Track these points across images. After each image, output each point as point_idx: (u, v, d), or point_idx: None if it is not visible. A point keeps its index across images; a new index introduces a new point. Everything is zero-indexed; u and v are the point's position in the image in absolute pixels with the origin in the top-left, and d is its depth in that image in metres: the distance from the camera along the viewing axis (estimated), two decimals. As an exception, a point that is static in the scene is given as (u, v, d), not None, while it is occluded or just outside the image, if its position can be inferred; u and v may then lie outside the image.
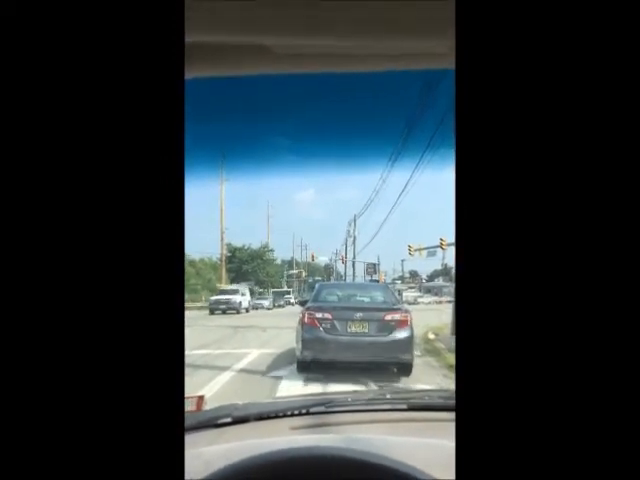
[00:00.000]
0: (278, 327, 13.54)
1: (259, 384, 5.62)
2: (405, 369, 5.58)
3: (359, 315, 5.63)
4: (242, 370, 6.59)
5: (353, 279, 34.32)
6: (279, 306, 33.33)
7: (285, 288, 45.97)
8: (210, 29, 0.57)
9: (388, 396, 1.37)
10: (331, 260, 49.42)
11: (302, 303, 6.76)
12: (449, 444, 0.55)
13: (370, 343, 5.50)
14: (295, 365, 6.25)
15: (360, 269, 37.44)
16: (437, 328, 11.27)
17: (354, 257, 35.92)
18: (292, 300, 37.59)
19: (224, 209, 34.38)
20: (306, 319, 5.72)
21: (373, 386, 4.94)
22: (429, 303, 36.41)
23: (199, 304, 27.08)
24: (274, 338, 10.65)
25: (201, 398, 1.20)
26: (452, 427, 0.51)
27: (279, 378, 5.87)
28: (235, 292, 24.95)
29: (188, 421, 1.07)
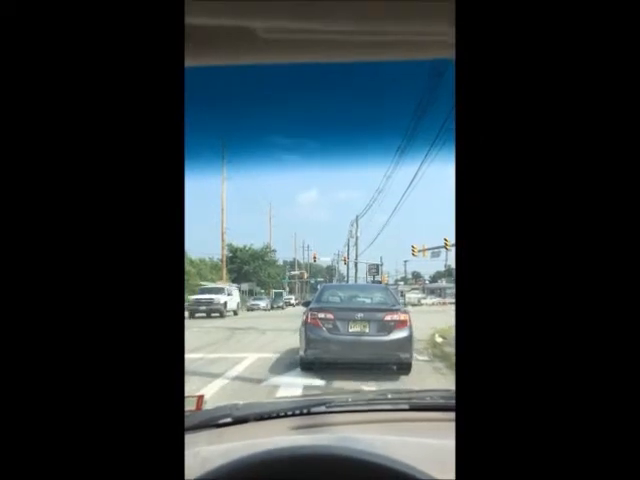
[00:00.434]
0: (277, 329, 13.14)
1: (253, 394, 5.14)
2: (404, 367, 5.72)
3: (360, 315, 5.78)
4: (236, 378, 6.09)
5: (355, 280, 33.99)
6: (278, 307, 32.67)
7: (286, 289, 45.49)
8: (210, 16, 0.56)
9: (389, 396, 1.35)
10: (333, 261, 49.18)
11: (306, 304, 6.90)
12: (451, 444, 0.53)
13: (370, 342, 5.67)
14: (294, 372, 6.14)
15: (362, 270, 37.07)
16: (444, 331, 10.80)
17: (356, 258, 35.52)
18: (292, 301, 36.96)
19: (225, 209, 33.94)
20: (309, 319, 5.85)
21: (374, 386, 4.99)
22: (433, 304, 36.03)
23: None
24: (273, 341, 10.24)
25: (201, 397, 1.18)
26: (454, 427, 0.51)
27: (276, 387, 5.40)
28: (219, 291, 20.71)
29: (188, 421, 1.07)
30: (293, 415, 1.16)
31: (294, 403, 1.24)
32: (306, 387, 5.37)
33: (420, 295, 41.93)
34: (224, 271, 34.05)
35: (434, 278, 53.78)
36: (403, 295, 34.63)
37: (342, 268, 44.36)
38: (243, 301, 29.33)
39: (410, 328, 5.79)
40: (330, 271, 57.17)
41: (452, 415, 0.65)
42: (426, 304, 36.72)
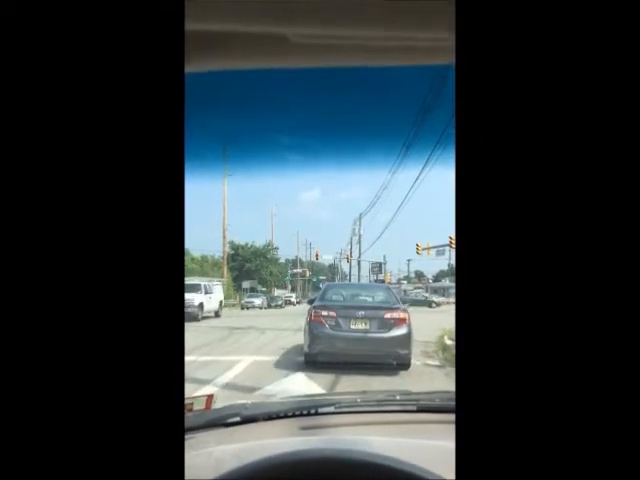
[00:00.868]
0: (278, 328, 12.58)
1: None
2: (404, 363, 5.98)
3: (361, 313, 6.03)
4: (226, 385, 5.51)
5: (358, 279, 33.56)
6: (276, 306, 30.89)
7: (288, 287, 44.82)
8: (212, 19, 0.57)
9: (398, 397, 1.35)
10: (335, 259, 48.64)
11: (310, 302, 7.18)
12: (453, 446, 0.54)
13: (371, 339, 5.91)
14: (292, 378, 5.77)
15: (365, 269, 36.52)
16: (452, 332, 10.19)
17: (359, 256, 34.96)
18: (293, 299, 35.64)
19: (227, 206, 33.41)
20: (313, 317, 6.11)
21: (377, 384, 5.20)
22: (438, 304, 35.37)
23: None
24: (272, 342, 9.68)
25: (210, 397, 1.19)
26: None
27: (271, 397, 4.83)
28: (193, 288, 15.94)
29: (197, 420, 1.09)
30: (301, 415, 1.15)
31: (303, 403, 1.24)
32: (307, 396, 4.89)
33: (425, 294, 41.27)
34: (225, 268, 33.55)
35: (437, 277, 53.19)
36: (407, 294, 34.11)
37: (345, 266, 43.87)
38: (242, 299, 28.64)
39: (409, 326, 6.02)
40: (332, 269, 56.76)
41: None
42: (430, 303, 36.06)
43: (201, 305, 16.04)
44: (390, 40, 0.62)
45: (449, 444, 0.67)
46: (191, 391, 5.01)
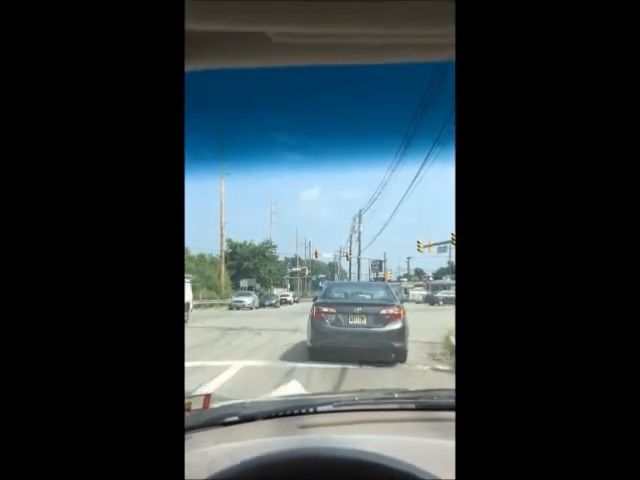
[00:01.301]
0: (274, 329, 12.00)
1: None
2: (400, 354, 6.55)
3: (359, 310, 6.60)
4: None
5: (358, 277, 33.10)
6: (270, 305, 28.05)
7: (287, 286, 44.14)
8: (212, 19, 0.57)
9: (396, 395, 1.34)
10: (335, 258, 48.10)
11: (315, 299, 7.59)
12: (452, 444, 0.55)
13: (367, 333, 6.48)
14: (286, 389, 5.00)
15: (365, 267, 35.97)
16: (458, 331, 9.60)
17: (359, 254, 34.39)
18: (289, 298, 33.57)
19: (224, 204, 32.78)
20: (315, 313, 6.72)
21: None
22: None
23: (197, 302, 25.34)
24: (267, 344, 9.10)
25: (208, 396, 1.18)
26: None
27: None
28: None
29: (195, 419, 1.08)
30: (300, 414, 1.15)
31: (301, 402, 1.24)
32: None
33: (425, 292, 40.71)
34: (222, 267, 32.95)
35: (437, 275, 52.65)
36: (407, 292, 33.52)
37: (344, 265, 43.35)
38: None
39: (403, 321, 6.55)
40: (332, 268, 56.30)
41: None
42: (431, 301, 35.49)
43: None
44: (390, 38, 0.62)
45: (448, 442, 0.65)
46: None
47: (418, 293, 38.44)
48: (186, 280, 19.42)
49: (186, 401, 1.12)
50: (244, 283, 34.76)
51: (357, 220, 34.17)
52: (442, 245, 28.18)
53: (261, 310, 24.73)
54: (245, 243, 40.93)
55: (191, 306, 16.18)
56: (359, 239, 34.28)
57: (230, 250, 38.67)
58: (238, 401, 1.21)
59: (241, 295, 26.99)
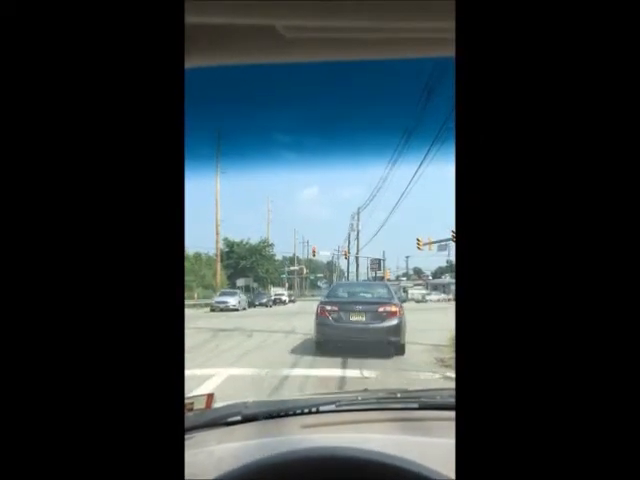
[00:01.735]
0: (267, 330, 11.39)
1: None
2: (398, 348, 7.23)
3: (359, 308, 7.32)
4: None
5: (357, 276, 32.53)
6: (261, 305, 25.87)
7: (285, 285, 43.44)
8: (212, 13, 0.57)
9: (399, 395, 1.33)
10: (333, 256, 47.50)
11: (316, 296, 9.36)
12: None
13: (366, 329, 7.15)
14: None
15: (364, 265, 35.41)
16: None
17: (357, 252, 33.79)
18: (284, 297, 31.75)
19: (219, 201, 32.13)
20: (320, 311, 7.45)
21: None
22: (438, 301, 34.29)
23: (192, 302, 24.63)
24: (259, 347, 8.49)
25: (211, 396, 1.19)
26: None
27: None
28: None
29: (197, 419, 1.09)
30: (302, 414, 1.15)
31: (303, 402, 1.24)
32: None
33: (424, 291, 40.18)
34: (218, 266, 32.33)
35: (436, 274, 52.19)
36: (406, 291, 32.95)
37: (343, 264, 42.77)
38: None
39: (400, 318, 7.25)
40: (330, 267, 55.74)
41: None
42: (431, 300, 34.96)
43: None
44: (390, 32, 0.61)
45: (451, 441, 0.66)
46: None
47: (417, 292, 37.90)
48: None
49: (189, 401, 1.13)
50: (241, 282, 34.14)
51: (355, 218, 33.61)
52: (442, 243, 27.58)
53: (256, 310, 23.23)
54: (242, 242, 40.32)
55: None
56: (357, 237, 33.73)
57: (227, 249, 38.10)
58: (241, 401, 1.21)
59: (224, 295, 22.81)
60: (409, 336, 8.13)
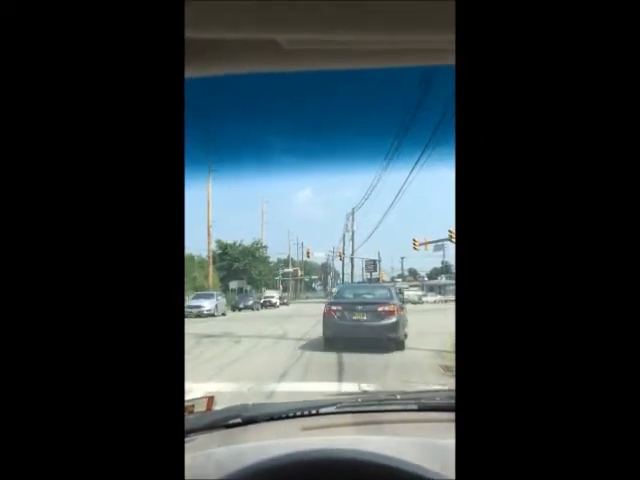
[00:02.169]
0: (257, 335, 10.68)
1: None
2: (396, 343, 8.04)
3: (360, 308, 8.31)
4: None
5: (352, 278, 31.93)
6: (246, 308, 23.53)
7: (280, 288, 42.66)
8: (208, 26, 0.58)
9: (398, 397, 1.33)
10: (328, 258, 46.86)
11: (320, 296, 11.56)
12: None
13: (366, 326, 8.14)
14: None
15: (360, 267, 34.79)
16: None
17: (352, 253, 33.15)
18: (275, 299, 29.04)
19: (211, 202, 31.33)
20: (327, 311, 8.53)
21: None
22: (435, 302, 33.66)
23: (183, 305, 23.77)
24: (245, 355, 7.79)
25: (211, 399, 1.19)
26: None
27: None
28: None
29: (198, 422, 1.09)
30: (303, 416, 1.15)
31: (304, 404, 1.22)
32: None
33: (420, 292, 39.53)
34: (210, 268, 31.58)
35: (431, 275, 51.67)
36: (401, 293, 32.30)
37: (338, 265, 42.13)
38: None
39: (397, 316, 8.15)
40: (325, 269, 55.11)
41: None
42: (427, 302, 34.31)
43: None
44: (389, 43, 0.62)
45: (451, 442, 0.65)
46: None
47: (413, 293, 37.24)
48: None
49: (189, 403, 1.12)
50: (234, 284, 33.41)
51: (350, 219, 32.98)
52: (439, 243, 26.98)
53: (242, 314, 21.46)
54: (235, 244, 39.58)
55: None
56: (352, 238, 33.09)
57: (220, 251, 37.37)
58: (241, 403, 1.21)
59: (199, 298, 19.76)
60: (409, 342, 8.47)
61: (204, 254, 33.55)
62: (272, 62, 0.66)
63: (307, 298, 47.48)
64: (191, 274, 30.96)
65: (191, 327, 12.66)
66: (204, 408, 1.15)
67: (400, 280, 47.26)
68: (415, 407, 1.20)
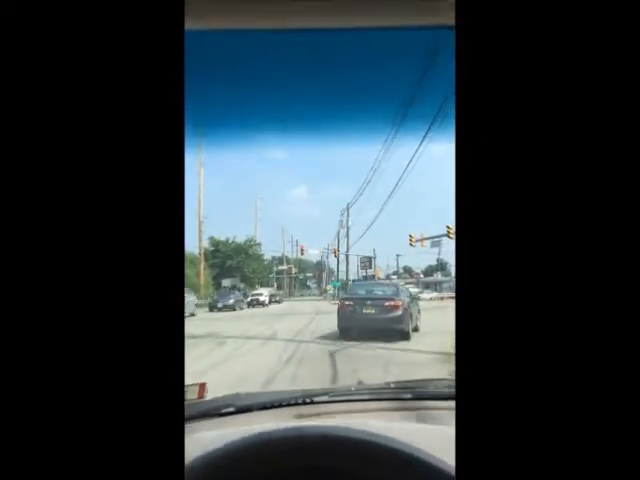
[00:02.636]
0: (243, 336, 9.98)
1: None
2: (401, 334, 9.16)
3: (369, 302, 9.74)
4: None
5: (347, 275, 31.35)
6: (225, 308, 20.38)
7: (274, 285, 42.00)
8: None
9: (392, 385, 1.35)
10: (323, 255, 46.20)
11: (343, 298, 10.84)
12: (450, 431, 0.55)
13: (375, 319, 9.44)
14: None
15: (354, 264, 34.20)
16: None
17: (347, 250, 32.51)
18: (263, 297, 26.40)
19: (203, 197, 30.60)
20: (340, 305, 10.18)
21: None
22: (431, 299, 33.10)
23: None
24: (226, 360, 7.03)
25: (202, 386, 1.18)
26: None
27: None
28: None
29: (190, 410, 1.07)
30: (296, 404, 1.16)
31: (297, 393, 1.23)
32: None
33: (416, 289, 38.99)
34: (202, 265, 30.88)
35: (426, 272, 51.22)
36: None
37: (333, 262, 41.52)
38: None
39: (402, 310, 9.40)
40: (320, 266, 54.54)
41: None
42: (424, 299, 33.77)
43: None
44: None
45: (446, 428, 0.65)
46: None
47: (411, 290, 36.68)
48: None
49: None
50: (226, 282, 32.74)
51: (345, 214, 32.31)
52: (436, 239, 26.37)
53: (221, 314, 19.51)
54: (227, 240, 38.89)
55: None
56: (347, 234, 32.43)
57: (212, 248, 36.70)
58: (234, 392, 1.20)
59: None
60: (410, 344, 8.60)
61: (196, 251, 32.86)
62: (272, 17, 0.64)
63: (302, 296, 46.89)
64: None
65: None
66: (196, 396, 1.14)
67: (395, 277, 46.78)
68: (409, 396, 1.21)
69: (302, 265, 53.79)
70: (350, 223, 31.80)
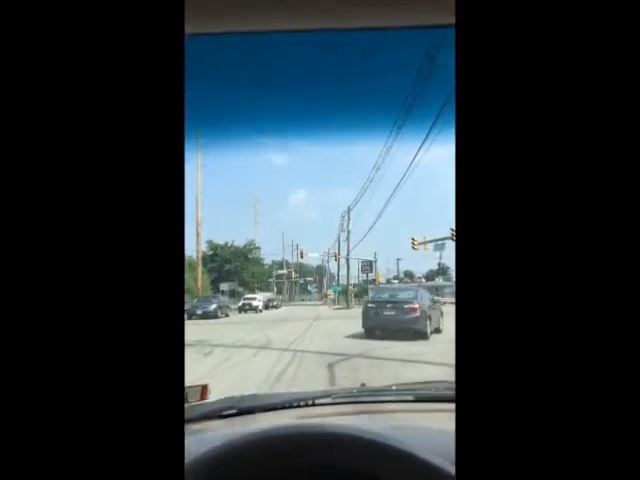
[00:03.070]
0: (236, 345, 9.40)
1: None
2: (419, 333, 10.18)
3: (390, 305, 10.80)
4: None
5: (347, 279, 30.80)
6: (207, 315, 17.93)
7: (274, 290, 41.39)
8: None
9: (394, 388, 1.35)
10: (323, 259, 45.66)
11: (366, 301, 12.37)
12: (451, 432, 0.56)
13: (395, 320, 10.52)
14: None
15: (355, 268, 33.65)
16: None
17: (348, 254, 31.95)
18: (257, 302, 24.71)
19: (200, 200, 30.07)
20: (365, 308, 11.38)
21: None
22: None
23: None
24: (211, 374, 6.44)
25: (205, 387, 1.17)
26: None
27: None
28: None
29: (192, 412, 1.08)
30: (298, 406, 1.15)
31: (299, 395, 1.23)
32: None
33: (418, 294, 38.38)
34: (199, 269, 30.31)
35: (427, 276, 50.66)
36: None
37: (333, 266, 41.02)
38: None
39: (420, 312, 10.45)
40: (320, 270, 54.03)
41: None
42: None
43: None
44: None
45: (447, 430, 0.64)
46: None
47: (411, 295, 36.08)
48: None
49: None
50: (225, 287, 32.17)
51: (345, 217, 31.77)
52: (439, 242, 25.80)
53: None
54: (226, 244, 38.38)
55: None
56: (348, 238, 31.88)
57: (211, 252, 36.20)
58: (237, 394, 1.20)
59: None
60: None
61: (193, 254, 32.28)
62: (271, 19, 0.64)
63: (302, 301, 46.27)
64: (179, 276, 29.58)
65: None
66: (198, 397, 1.14)
67: (396, 281, 46.21)
68: (411, 398, 1.22)
69: (302, 269, 53.25)
70: (351, 226, 31.29)
